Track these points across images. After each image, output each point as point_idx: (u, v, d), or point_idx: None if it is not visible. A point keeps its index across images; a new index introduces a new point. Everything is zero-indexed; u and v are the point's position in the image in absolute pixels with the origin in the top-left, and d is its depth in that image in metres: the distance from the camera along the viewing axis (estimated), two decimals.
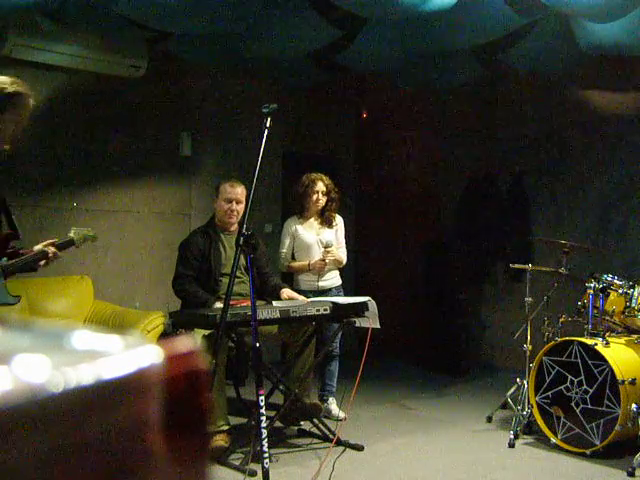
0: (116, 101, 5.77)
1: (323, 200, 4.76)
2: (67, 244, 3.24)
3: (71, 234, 3.29)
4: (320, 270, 4.68)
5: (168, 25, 4.68)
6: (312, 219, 4.83)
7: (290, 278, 4.90)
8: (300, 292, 4.54)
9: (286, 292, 4.36)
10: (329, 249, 4.65)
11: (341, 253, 4.83)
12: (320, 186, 4.73)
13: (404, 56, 5.37)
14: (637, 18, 4.24)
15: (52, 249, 3.06)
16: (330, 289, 4.78)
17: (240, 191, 4.33)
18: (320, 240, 4.73)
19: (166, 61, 5.84)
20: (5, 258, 2.94)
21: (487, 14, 4.45)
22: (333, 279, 4.83)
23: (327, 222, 4.81)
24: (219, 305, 3.99)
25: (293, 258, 4.84)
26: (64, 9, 4.42)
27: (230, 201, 4.32)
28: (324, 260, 4.64)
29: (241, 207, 4.31)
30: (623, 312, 4.21)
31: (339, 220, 4.91)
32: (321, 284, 4.73)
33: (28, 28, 4.82)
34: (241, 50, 5.29)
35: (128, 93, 5.79)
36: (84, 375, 0.42)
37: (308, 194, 4.74)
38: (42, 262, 3.05)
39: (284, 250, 4.81)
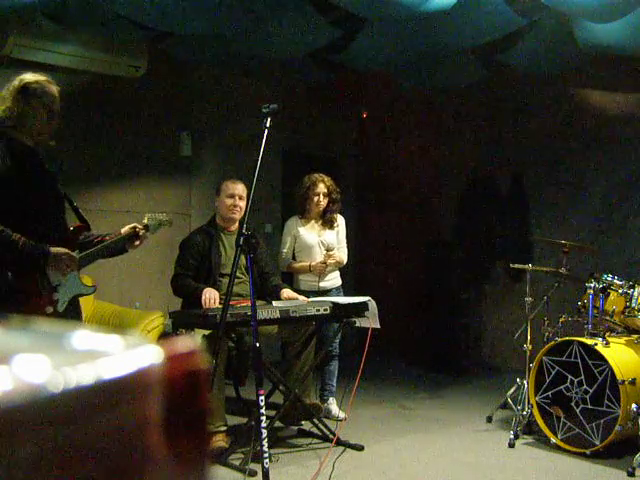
0: (116, 101, 5.77)
1: (324, 202, 4.76)
2: (144, 230, 3.35)
3: (145, 220, 3.36)
4: (321, 272, 4.69)
5: (168, 25, 4.68)
6: (313, 220, 4.83)
7: (290, 278, 4.90)
8: (301, 292, 4.54)
9: (286, 292, 4.36)
10: (331, 253, 4.66)
11: (342, 253, 4.84)
12: (321, 188, 4.73)
13: (404, 56, 5.37)
14: (637, 18, 4.24)
15: (142, 230, 3.25)
16: (330, 290, 4.79)
17: (241, 188, 4.36)
18: (322, 242, 4.74)
19: (166, 61, 5.83)
20: (77, 250, 3.05)
21: (487, 14, 4.45)
22: (334, 280, 4.84)
23: (328, 223, 4.81)
24: (208, 290, 4.02)
25: (294, 258, 4.84)
26: (64, 9, 4.42)
27: (233, 196, 4.34)
28: (325, 263, 4.65)
29: (243, 204, 4.32)
30: (623, 312, 4.21)
31: (340, 220, 4.91)
32: (322, 285, 4.74)
33: (28, 28, 4.82)
34: (241, 50, 5.29)
35: (128, 93, 5.79)
36: (84, 375, 0.42)
37: (309, 196, 4.74)
38: (137, 242, 3.23)
39: (285, 250, 4.82)
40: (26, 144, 2.94)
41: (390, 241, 7.50)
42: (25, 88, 2.89)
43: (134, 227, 3.26)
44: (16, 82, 2.91)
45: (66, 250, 2.94)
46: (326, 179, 4.77)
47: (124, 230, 3.24)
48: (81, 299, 5.29)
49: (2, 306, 2.72)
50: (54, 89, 2.98)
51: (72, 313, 3.01)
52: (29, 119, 2.90)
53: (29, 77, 2.93)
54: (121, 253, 3.30)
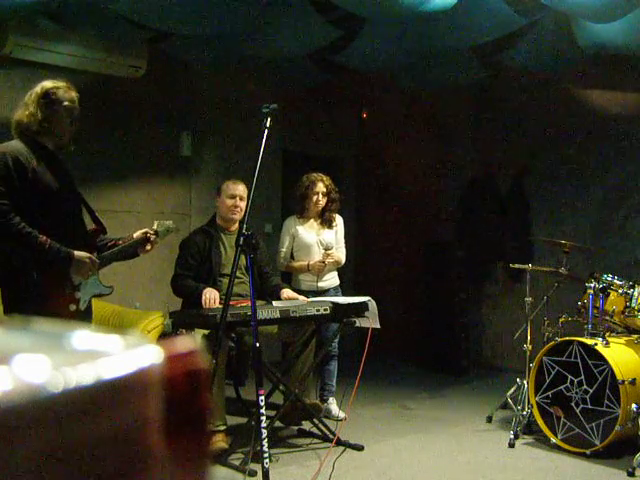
0: (116, 101, 5.77)
1: (323, 201, 4.76)
2: (155, 235, 3.42)
3: (154, 226, 3.43)
4: (319, 271, 4.69)
5: (168, 25, 4.68)
6: (312, 219, 4.84)
7: (289, 278, 4.91)
8: (299, 292, 4.54)
9: (286, 292, 4.36)
10: (329, 252, 4.66)
11: (340, 253, 4.84)
12: (320, 187, 4.73)
13: (404, 56, 5.37)
14: (637, 18, 4.24)
15: (153, 235, 3.33)
16: (328, 289, 4.79)
17: (242, 188, 4.37)
18: (320, 241, 4.74)
19: (166, 61, 5.83)
20: (95, 253, 3.15)
21: (487, 14, 4.45)
22: (332, 279, 4.84)
23: (327, 223, 4.82)
24: (209, 290, 4.03)
25: (292, 257, 4.84)
26: (64, 9, 4.42)
27: (234, 197, 4.34)
28: (324, 262, 4.65)
29: (244, 204, 4.32)
30: (623, 312, 4.21)
31: (339, 220, 4.91)
32: (320, 285, 4.74)
33: (28, 28, 4.82)
34: (241, 50, 5.29)
35: (128, 93, 5.79)
36: (84, 375, 0.42)
37: (308, 195, 4.75)
38: (148, 247, 3.32)
39: (283, 249, 4.82)
40: (49, 148, 3.04)
41: (390, 241, 7.50)
42: (47, 94, 3.00)
43: (146, 232, 3.34)
44: (38, 89, 3.01)
45: (89, 255, 3.04)
46: (325, 178, 4.78)
47: (136, 235, 3.33)
48: None
49: (27, 304, 2.82)
50: (74, 94, 3.09)
51: (88, 313, 3.14)
52: (52, 124, 3.01)
53: (50, 84, 3.03)
54: (133, 257, 3.39)
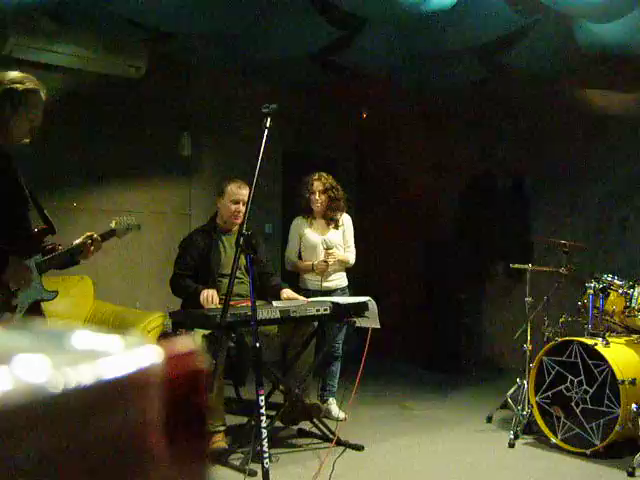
0: (116, 101, 5.77)
1: (322, 199, 4.74)
2: (108, 235, 3.16)
3: (112, 224, 3.21)
4: (323, 271, 4.68)
5: (168, 25, 4.68)
6: (318, 219, 4.83)
7: (296, 277, 4.91)
8: (305, 291, 4.54)
9: (286, 292, 4.36)
10: (330, 251, 4.65)
11: (349, 253, 4.83)
12: (316, 186, 4.73)
13: (404, 56, 5.37)
14: (637, 18, 4.24)
15: (96, 241, 3.00)
16: (335, 290, 4.77)
17: (246, 193, 4.33)
18: (325, 241, 4.74)
19: (166, 61, 5.83)
20: (39, 255, 2.90)
21: (487, 14, 4.45)
22: (338, 280, 4.82)
23: (332, 222, 4.80)
24: (206, 290, 4.03)
25: (300, 258, 4.85)
26: (64, 9, 4.42)
27: (237, 202, 4.33)
28: (326, 262, 4.65)
29: (244, 208, 4.32)
30: (623, 312, 4.21)
31: (346, 220, 4.90)
32: (325, 284, 4.72)
33: (28, 28, 4.82)
34: (241, 50, 5.29)
35: (128, 93, 5.79)
36: (84, 375, 0.42)
37: (307, 195, 4.75)
38: (89, 255, 2.98)
39: (290, 249, 4.84)
40: None
41: (390, 241, 7.50)
42: (14, 95, 2.72)
43: (89, 236, 3.01)
44: (6, 84, 2.72)
45: (26, 264, 2.81)
46: (324, 177, 4.76)
47: (76, 241, 3.00)
48: (82, 299, 5.28)
49: None
50: (43, 95, 2.81)
51: (39, 313, 2.88)
52: (10, 124, 2.74)
53: (20, 85, 2.73)
54: (73, 265, 3.08)
